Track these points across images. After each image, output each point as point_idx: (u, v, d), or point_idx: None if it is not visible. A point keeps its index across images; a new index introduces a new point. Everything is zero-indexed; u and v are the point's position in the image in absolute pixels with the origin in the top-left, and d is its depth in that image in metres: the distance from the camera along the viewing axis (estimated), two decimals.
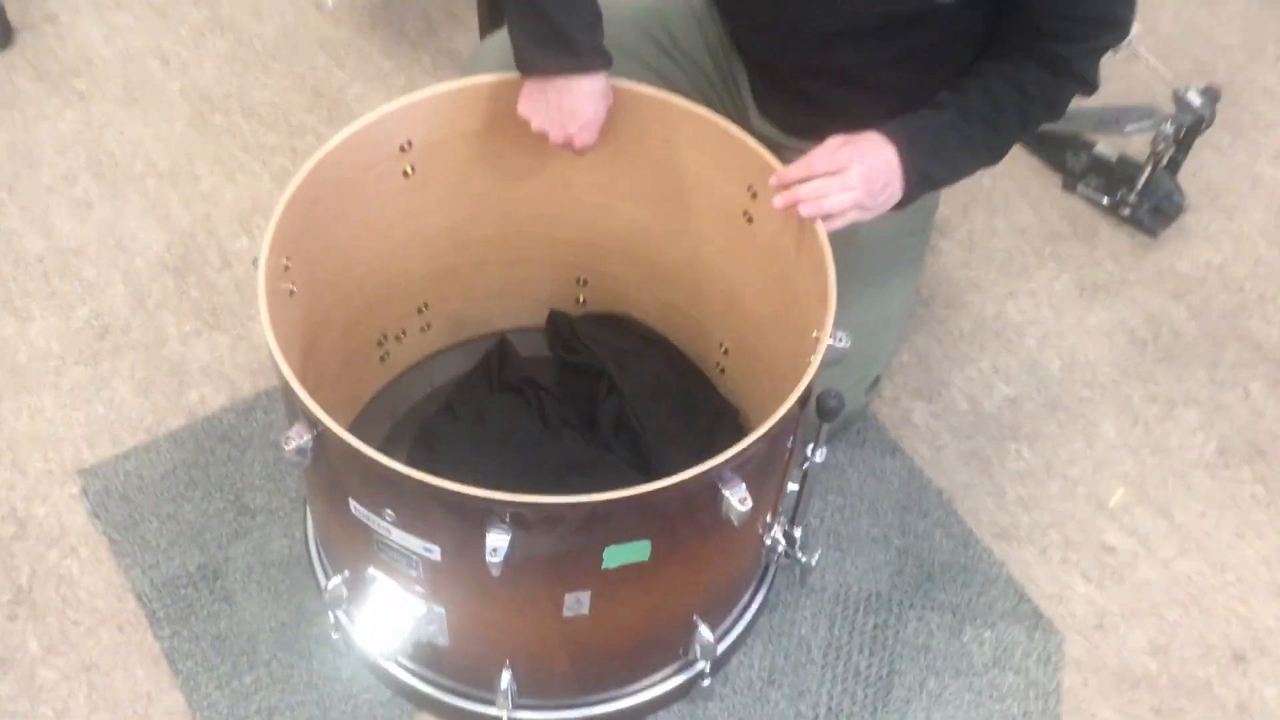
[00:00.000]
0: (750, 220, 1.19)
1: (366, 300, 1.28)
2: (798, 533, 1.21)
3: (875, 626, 1.31)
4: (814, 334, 1.06)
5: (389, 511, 0.94)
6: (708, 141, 1.17)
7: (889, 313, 1.35)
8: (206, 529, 1.32)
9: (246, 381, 1.47)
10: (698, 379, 1.42)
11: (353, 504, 0.97)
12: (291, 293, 1.09)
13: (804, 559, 1.23)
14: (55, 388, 1.44)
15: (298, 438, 0.93)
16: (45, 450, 1.39)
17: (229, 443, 1.39)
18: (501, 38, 1.17)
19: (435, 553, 0.96)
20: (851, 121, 1.25)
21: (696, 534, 0.99)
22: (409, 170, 1.19)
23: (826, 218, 1.08)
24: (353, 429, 1.38)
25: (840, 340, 1.03)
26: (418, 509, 0.92)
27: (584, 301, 1.46)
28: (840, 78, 1.22)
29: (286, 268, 1.06)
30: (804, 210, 1.06)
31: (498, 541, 0.89)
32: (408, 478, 0.87)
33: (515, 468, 1.28)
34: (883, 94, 1.22)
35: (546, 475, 1.27)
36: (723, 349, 1.37)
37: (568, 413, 1.36)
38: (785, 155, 1.35)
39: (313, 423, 0.91)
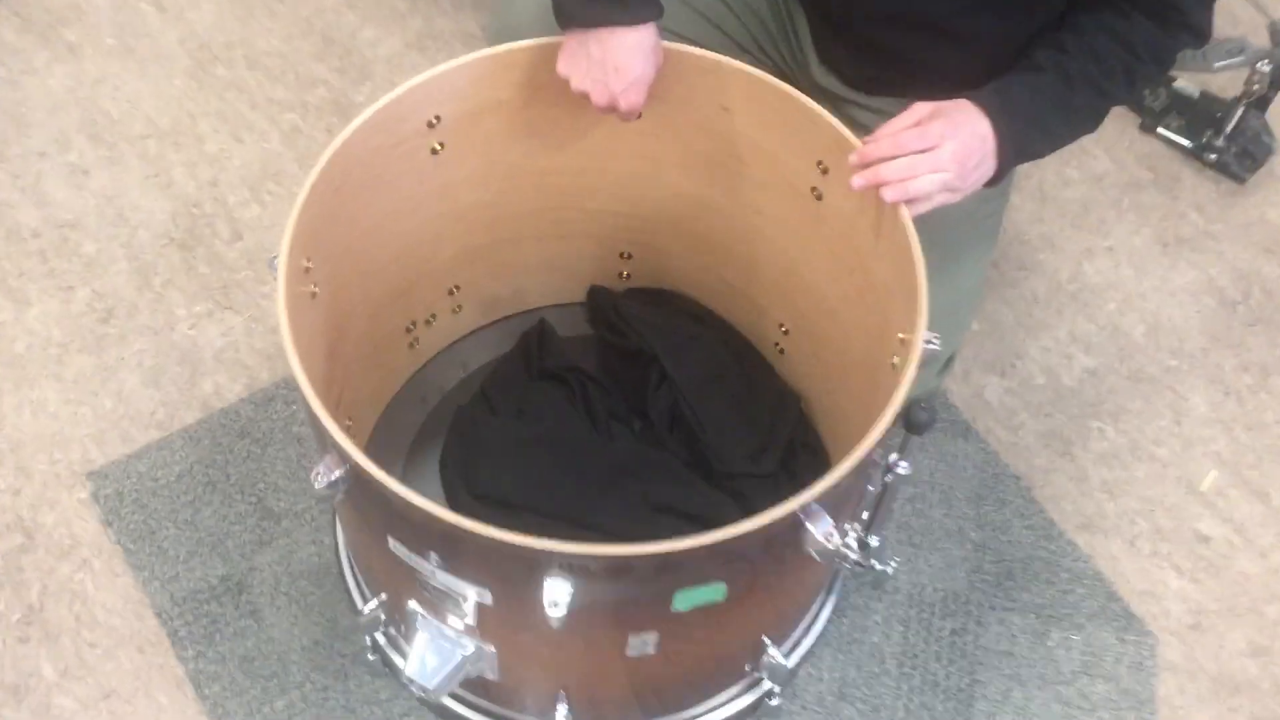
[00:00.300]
0: (819, 197, 1.08)
1: (394, 288, 1.18)
2: (875, 541, 1.12)
3: (953, 631, 1.22)
4: (900, 335, 0.96)
5: (434, 555, 0.85)
6: (773, 111, 1.05)
7: (965, 289, 1.24)
8: (228, 536, 1.24)
9: (264, 368, 1.38)
10: (755, 361, 1.33)
11: (391, 542, 0.89)
12: (314, 295, 0.99)
13: (881, 568, 1.14)
14: (58, 379, 1.35)
15: (328, 474, 0.84)
16: (51, 451, 1.30)
17: (248, 438, 1.31)
18: None
19: (487, 596, 0.87)
20: (928, 76, 1.13)
21: (776, 568, 0.91)
22: (438, 147, 1.08)
23: (911, 201, 0.96)
24: (383, 421, 1.30)
25: (932, 342, 0.92)
26: (467, 555, 0.83)
27: (628, 276, 1.36)
28: (917, 24, 1.10)
29: (308, 269, 0.96)
30: (888, 194, 0.95)
31: (557, 593, 0.80)
32: (457, 527, 0.78)
33: (562, 469, 1.19)
34: (965, 44, 1.10)
35: (597, 478, 1.18)
36: (782, 329, 1.27)
37: (615, 404, 1.27)
38: (849, 111, 1.24)
39: (346, 460, 0.82)
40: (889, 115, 1.24)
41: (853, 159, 0.99)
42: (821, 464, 1.24)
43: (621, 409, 1.28)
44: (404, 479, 1.27)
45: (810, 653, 1.18)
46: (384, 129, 1.01)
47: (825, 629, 1.19)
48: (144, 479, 1.28)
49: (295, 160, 1.57)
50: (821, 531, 0.86)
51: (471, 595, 0.88)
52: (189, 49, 1.69)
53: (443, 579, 0.88)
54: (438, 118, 1.05)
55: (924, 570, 1.27)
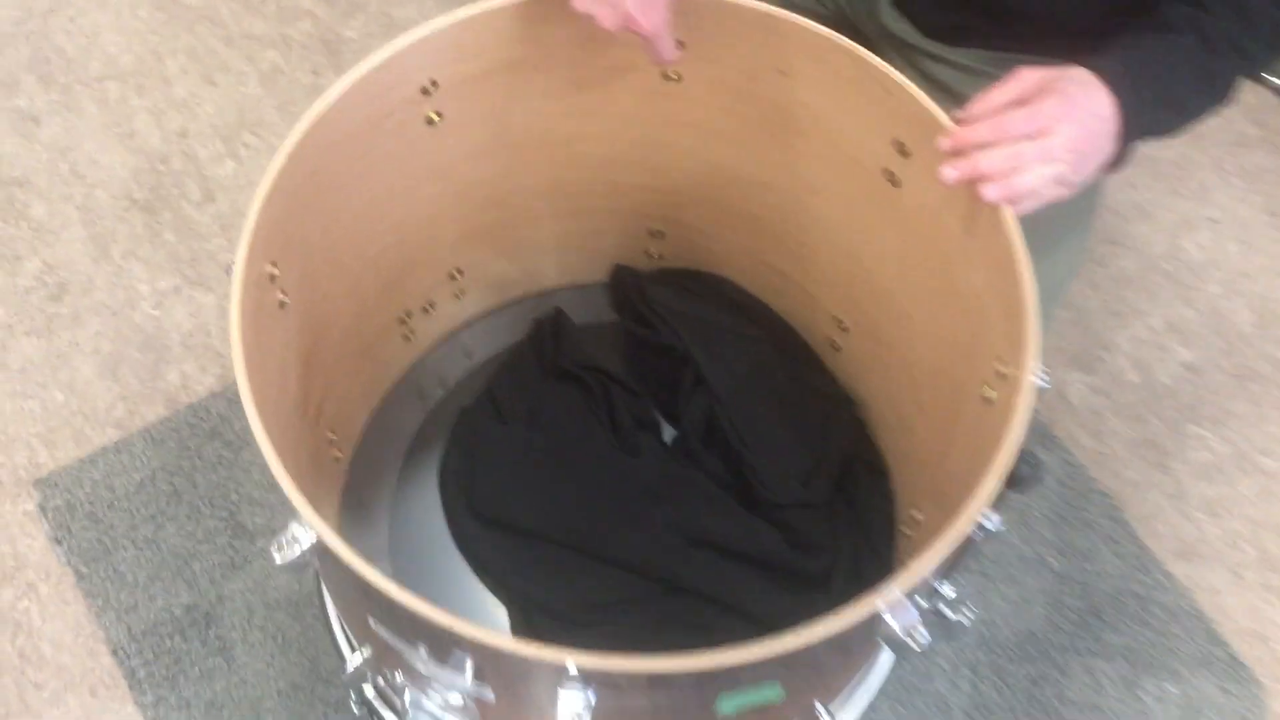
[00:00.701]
0: (896, 184, 0.91)
1: (384, 278, 1.02)
2: (949, 589, 0.97)
3: (1031, 680, 1.08)
4: (998, 366, 0.79)
5: (423, 648, 0.70)
6: (842, 78, 0.88)
7: (1057, 280, 1.08)
8: (195, 557, 1.10)
9: None
10: (806, 358, 1.16)
11: (373, 623, 0.74)
12: (283, 304, 0.83)
13: (955, 619, 0.99)
14: (3, 368, 1.20)
15: (292, 546, 0.69)
16: None
17: (220, 440, 1.16)
18: None
19: (488, 694, 0.73)
20: (1026, 24, 0.96)
21: (841, 660, 0.75)
22: (434, 117, 0.91)
23: (1016, 200, 0.80)
24: (376, 422, 1.15)
25: (1044, 379, 0.76)
26: (464, 654, 0.69)
27: (659, 256, 1.19)
28: None
29: (273, 276, 0.80)
30: (989, 192, 0.78)
31: (574, 705, 0.65)
32: (450, 631, 0.63)
33: (578, 489, 1.04)
34: None
35: (619, 500, 1.04)
36: (840, 325, 1.10)
37: (642, 409, 1.11)
38: (924, 65, 1.07)
39: (318, 539, 0.67)
40: (972, 71, 1.07)
41: (943, 144, 0.82)
42: (882, 485, 1.09)
43: (649, 415, 1.12)
44: (398, 490, 1.13)
45: (868, 709, 1.04)
46: (368, 100, 0.84)
47: (884, 681, 1.05)
48: (99, 488, 1.13)
49: (276, 107, 1.39)
50: (903, 624, 0.71)
51: (470, 690, 0.73)
52: None
53: (434, 670, 0.73)
54: (434, 82, 0.88)
55: (996, 606, 1.12)
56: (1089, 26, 1.00)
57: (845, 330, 1.11)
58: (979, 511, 0.71)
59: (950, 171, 0.80)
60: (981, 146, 0.81)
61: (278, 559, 0.71)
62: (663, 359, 1.13)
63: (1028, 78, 0.84)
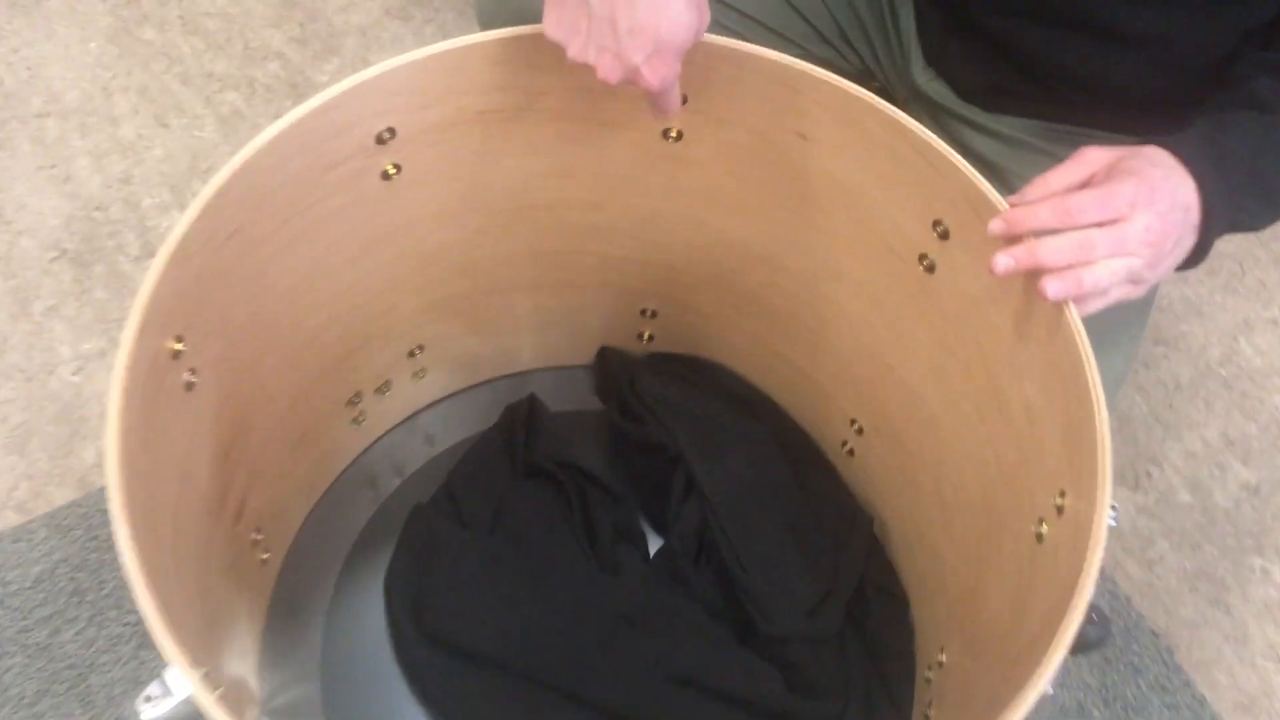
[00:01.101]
0: (931, 269, 0.78)
1: (330, 355, 0.89)
2: None
3: None
4: (1059, 499, 0.66)
5: None
6: (874, 145, 0.76)
7: (1106, 386, 0.94)
8: (94, 669, 0.95)
9: None
10: (816, 464, 1.03)
11: None
12: (191, 386, 0.69)
13: None
14: None
15: (164, 699, 0.55)
16: None
17: None
18: None
19: None
20: (1078, 92, 0.85)
21: None
22: (392, 170, 0.79)
23: (1082, 299, 0.67)
24: (313, 519, 1.01)
25: (1114, 517, 0.63)
26: None
27: (651, 339, 1.06)
28: (1071, 18, 0.84)
29: (178, 352, 0.67)
30: (1052, 287, 0.66)
31: None
32: None
33: (548, 611, 0.91)
34: (1139, 50, 0.84)
35: (596, 628, 0.90)
36: (854, 426, 0.98)
37: (625, 517, 0.98)
38: (957, 131, 0.96)
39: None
40: (1014, 143, 0.95)
41: (995, 226, 0.69)
42: (901, 616, 0.96)
43: (633, 524, 0.99)
44: (336, 597, 0.99)
45: None
46: (309, 147, 0.72)
47: None
48: None
49: (232, 153, 1.27)
50: None
51: None
52: (112, 3, 1.40)
53: None
54: (391, 130, 0.76)
55: None
56: (1156, 97, 0.88)
57: (861, 433, 0.98)
58: (1040, 688, 0.57)
59: (1004, 260, 0.68)
60: (1042, 232, 0.69)
61: (144, 714, 0.57)
62: (651, 459, 1.00)
63: (1095, 158, 0.72)
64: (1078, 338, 0.67)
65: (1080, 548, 0.62)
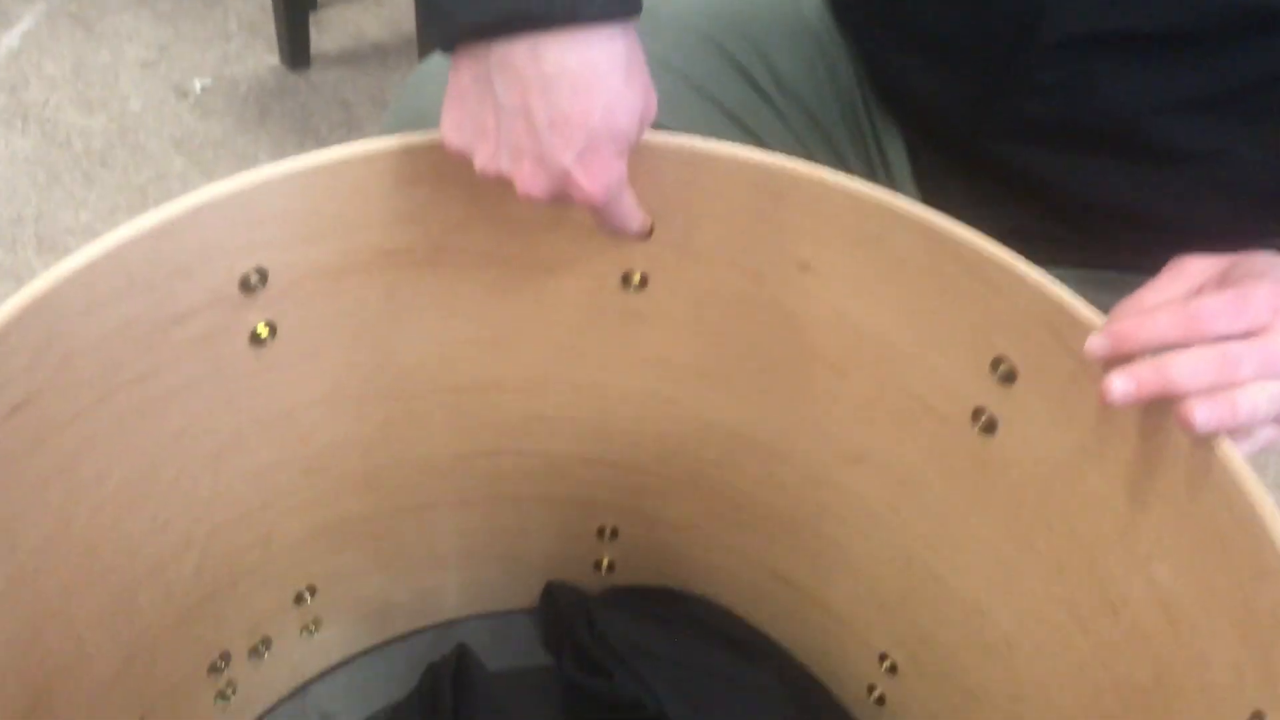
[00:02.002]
0: (991, 428, 0.59)
1: (181, 599, 0.66)
2: None
3: None
4: None
5: None
6: (901, 266, 0.59)
7: None
8: None
9: None
10: (831, 718, 0.80)
11: None
12: None
13: None
14: None
15: None
16: None
17: None
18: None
19: None
20: (1126, 226, 0.70)
21: None
22: (264, 332, 0.59)
23: (1239, 425, 0.48)
24: None
25: None
26: None
27: (610, 568, 0.85)
28: (1114, 137, 0.69)
29: None
30: (1201, 415, 0.47)
31: None
32: None
33: None
34: (1194, 170, 0.69)
35: None
36: (885, 663, 0.76)
37: None
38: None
39: None
40: None
41: (1095, 344, 0.51)
42: None
43: None
44: None
45: None
46: (145, 286, 0.52)
47: None
48: None
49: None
50: None
51: None
52: None
53: None
54: (260, 274, 0.57)
55: None
56: (1217, 228, 0.73)
57: (895, 672, 0.77)
58: None
59: (1121, 384, 0.49)
60: (1156, 345, 0.50)
61: None
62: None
63: (1197, 269, 0.55)
64: (1244, 482, 0.47)
65: None
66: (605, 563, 0.86)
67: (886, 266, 0.60)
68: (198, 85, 1.50)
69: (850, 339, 0.64)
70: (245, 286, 0.58)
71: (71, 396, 0.53)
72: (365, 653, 0.86)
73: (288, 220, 0.57)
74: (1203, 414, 0.48)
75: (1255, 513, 0.46)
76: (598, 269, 0.65)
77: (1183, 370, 0.49)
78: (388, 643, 0.86)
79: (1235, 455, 0.48)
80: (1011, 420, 0.60)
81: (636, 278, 0.66)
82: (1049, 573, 0.61)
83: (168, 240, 0.53)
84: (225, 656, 0.74)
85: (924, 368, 0.62)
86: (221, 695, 0.76)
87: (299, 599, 0.77)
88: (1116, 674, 0.57)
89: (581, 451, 0.77)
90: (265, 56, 1.55)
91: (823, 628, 0.80)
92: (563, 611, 0.84)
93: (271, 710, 0.82)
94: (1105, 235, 0.75)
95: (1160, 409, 0.50)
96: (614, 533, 0.83)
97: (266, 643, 0.77)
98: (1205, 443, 0.49)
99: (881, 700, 0.79)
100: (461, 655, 0.80)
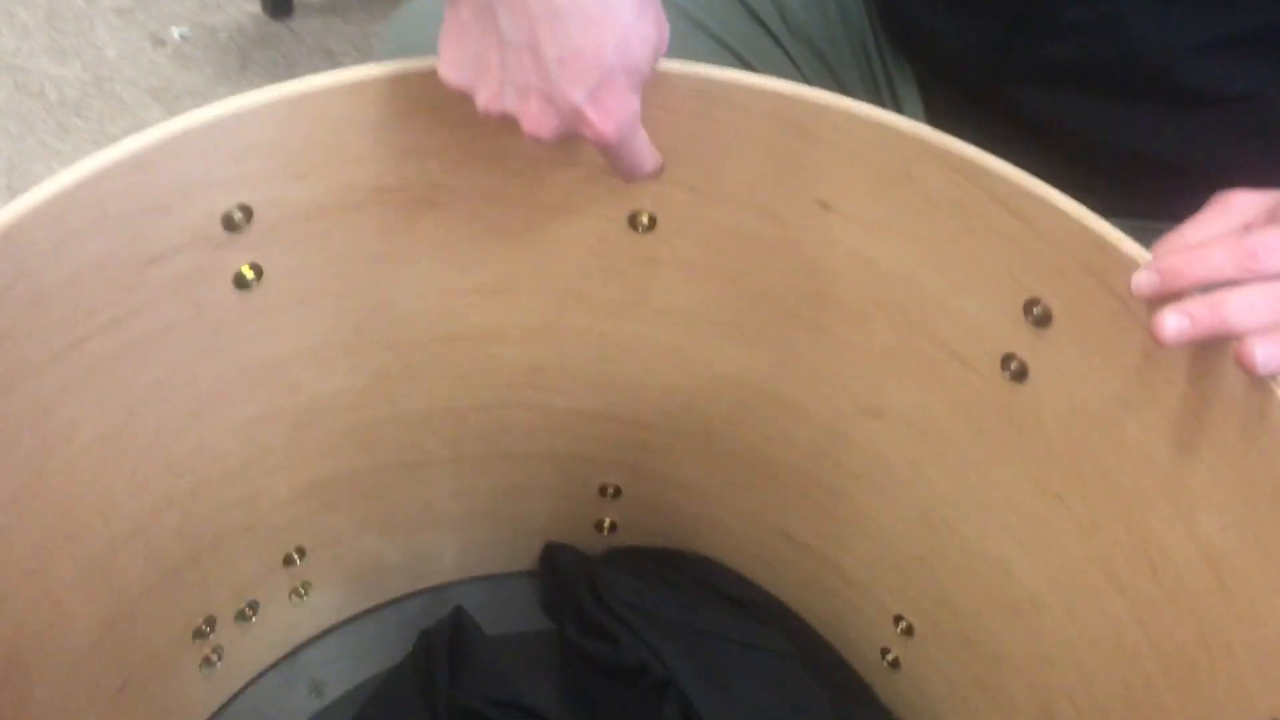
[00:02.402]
0: (1022, 375, 0.57)
1: (163, 559, 0.63)
2: None
3: None
4: None
5: None
6: (929, 204, 0.55)
7: None
8: None
9: None
10: (847, 684, 0.77)
11: None
12: None
13: None
14: None
15: None
16: None
17: None
18: None
19: None
20: (1154, 174, 0.67)
21: None
22: (249, 274, 0.55)
23: None
24: None
25: None
26: None
27: (613, 529, 0.81)
28: (1141, 80, 0.66)
29: None
30: (1262, 354, 0.44)
31: None
32: None
33: None
34: (1223, 113, 0.67)
35: None
36: (900, 625, 0.73)
37: None
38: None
39: None
40: None
41: (1143, 279, 0.48)
42: None
43: None
44: None
45: None
46: (120, 223, 0.49)
47: None
48: None
49: None
50: None
51: None
52: None
53: None
54: (245, 211, 0.53)
55: None
56: (1249, 174, 0.69)
57: (912, 634, 0.74)
58: None
59: (1174, 321, 0.46)
60: (1205, 282, 0.47)
61: None
62: (627, 688, 0.74)
63: (1244, 204, 0.52)
64: None
65: None
66: (607, 523, 0.83)
67: (914, 204, 0.57)
68: (175, 33, 1.45)
69: (873, 283, 0.61)
70: (228, 224, 0.54)
71: (42, 339, 0.49)
72: (357, 617, 0.83)
73: (273, 153, 0.53)
74: (1263, 353, 0.45)
75: None
76: (604, 210, 0.62)
77: (1240, 307, 0.46)
78: (381, 607, 0.83)
79: None
80: (1044, 367, 0.56)
81: (645, 219, 0.62)
82: (1081, 529, 0.58)
83: (144, 172, 0.49)
84: (210, 621, 0.71)
85: (951, 312, 0.59)
86: (207, 661, 0.73)
87: (287, 561, 0.74)
88: (1155, 635, 0.54)
89: (584, 406, 0.73)
90: (246, 4, 1.51)
91: (834, 590, 0.78)
92: (564, 574, 0.81)
93: (260, 677, 0.79)
94: (1130, 182, 0.72)
95: (1209, 351, 0.47)
96: (617, 492, 0.80)
97: (254, 606, 0.74)
98: (1262, 385, 0.46)
99: (896, 663, 0.77)
100: (457, 619, 0.77)
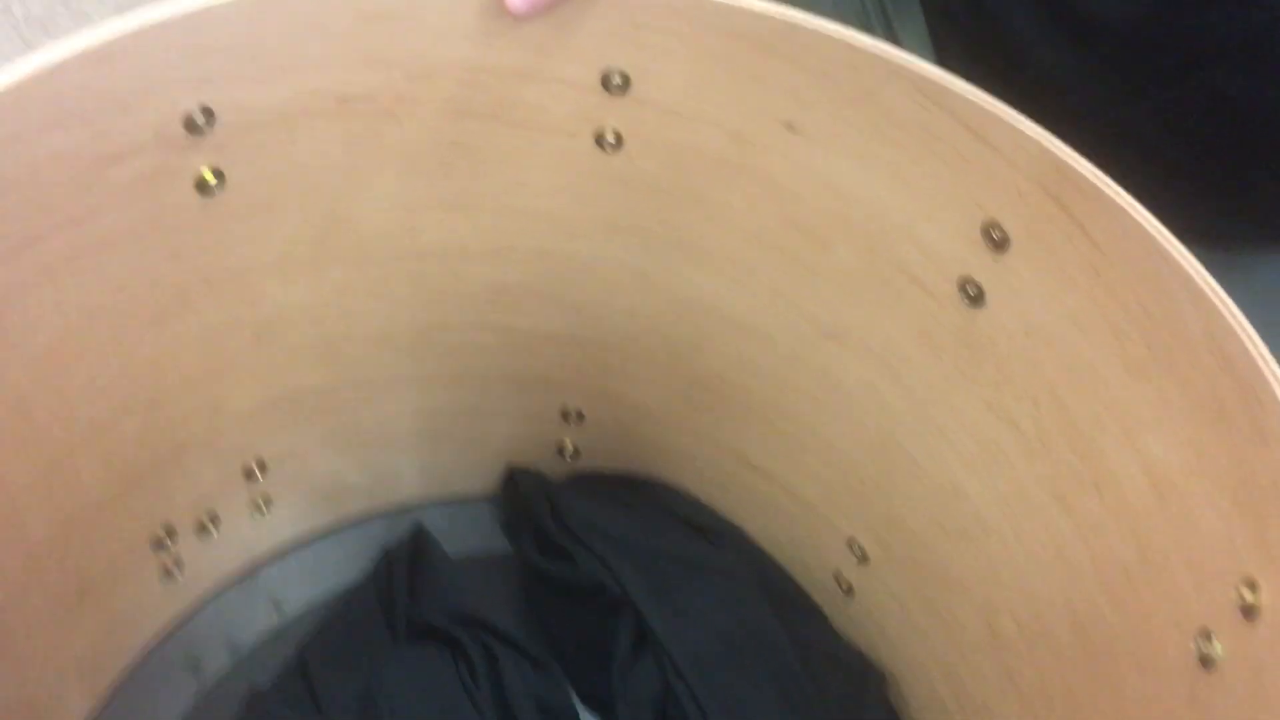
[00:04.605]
0: (978, 299, 0.58)
1: (122, 468, 0.63)
2: None
3: None
4: (1243, 592, 0.45)
5: None
6: (892, 125, 0.56)
7: None
8: None
9: None
10: (800, 610, 0.78)
11: None
12: None
13: None
14: None
15: None
16: None
17: None
18: None
19: None
20: (1142, 129, 0.68)
21: None
22: (210, 178, 0.55)
23: None
24: (106, 716, 0.73)
25: None
26: None
27: (575, 453, 0.82)
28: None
29: None
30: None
31: None
32: None
33: None
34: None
35: None
36: (854, 550, 0.74)
37: (550, 688, 0.72)
38: None
39: None
40: None
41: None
42: None
43: (560, 698, 0.72)
44: None
45: None
46: (77, 118, 0.48)
47: None
48: None
49: None
50: None
51: None
52: None
53: None
54: (207, 113, 0.53)
55: None
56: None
57: (865, 560, 0.75)
58: None
59: None
60: None
61: None
62: (584, 607, 0.74)
63: None
64: (1250, 344, 0.45)
65: None
66: (570, 447, 0.83)
67: (875, 125, 0.57)
68: None
69: (837, 207, 0.61)
70: (190, 126, 0.54)
71: None
72: (319, 539, 0.83)
73: (236, 53, 0.53)
74: None
75: (1260, 376, 0.44)
76: (570, 128, 0.62)
77: None
78: (342, 527, 0.84)
79: (1242, 317, 0.46)
80: (1000, 290, 0.57)
81: (611, 137, 0.62)
82: (1032, 451, 0.59)
83: (104, 65, 0.49)
84: (170, 530, 0.71)
85: (912, 237, 0.59)
86: (167, 573, 0.73)
87: (249, 474, 0.74)
88: (1097, 553, 0.56)
89: (547, 327, 0.74)
90: None
91: (791, 515, 0.79)
92: (524, 496, 0.82)
93: (221, 593, 0.79)
94: (1118, 129, 0.72)
95: (1160, 271, 0.48)
96: (579, 416, 0.81)
97: (214, 519, 0.74)
98: (1207, 304, 0.46)
99: (850, 590, 0.78)
100: (418, 539, 0.78)
